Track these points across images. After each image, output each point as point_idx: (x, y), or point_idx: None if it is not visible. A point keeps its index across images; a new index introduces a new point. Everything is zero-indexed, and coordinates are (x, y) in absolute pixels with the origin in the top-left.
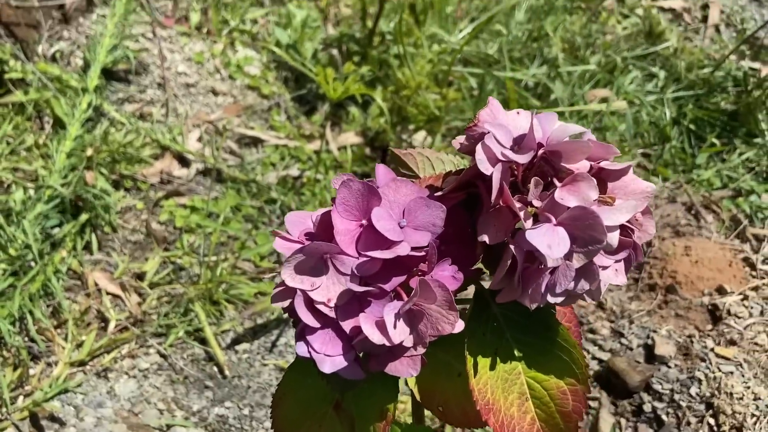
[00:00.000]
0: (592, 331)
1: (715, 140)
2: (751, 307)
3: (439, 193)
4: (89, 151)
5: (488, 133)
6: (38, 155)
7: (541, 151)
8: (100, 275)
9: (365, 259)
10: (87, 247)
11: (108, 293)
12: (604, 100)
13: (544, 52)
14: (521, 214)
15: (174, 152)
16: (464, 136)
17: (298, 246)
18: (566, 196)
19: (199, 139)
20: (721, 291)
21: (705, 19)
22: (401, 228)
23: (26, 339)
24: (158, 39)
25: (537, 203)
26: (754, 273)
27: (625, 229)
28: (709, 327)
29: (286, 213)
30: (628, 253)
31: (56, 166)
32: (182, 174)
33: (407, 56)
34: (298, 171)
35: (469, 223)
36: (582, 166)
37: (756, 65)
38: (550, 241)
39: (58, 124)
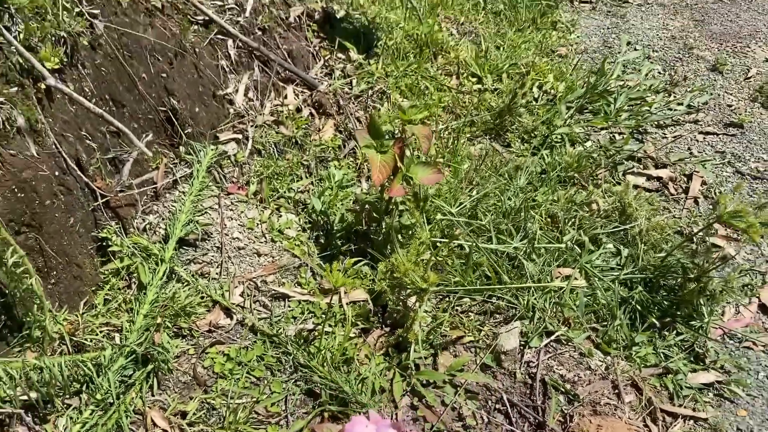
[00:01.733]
0: None
1: (655, 321)
2: None
3: None
4: (159, 320)
5: None
6: (125, 310)
7: None
8: (156, 414)
9: None
10: (150, 388)
11: (160, 428)
12: (567, 277)
13: (527, 226)
14: None
15: (222, 306)
16: None
17: None
18: None
19: (241, 294)
20: None
21: (688, 190)
22: None
23: None
24: (221, 209)
25: None
26: None
27: None
28: None
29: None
30: None
31: (135, 325)
32: (226, 324)
33: (396, 245)
34: (312, 324)
35: None
36: None
37: (721, 242)
38: None
39: (141, 287)
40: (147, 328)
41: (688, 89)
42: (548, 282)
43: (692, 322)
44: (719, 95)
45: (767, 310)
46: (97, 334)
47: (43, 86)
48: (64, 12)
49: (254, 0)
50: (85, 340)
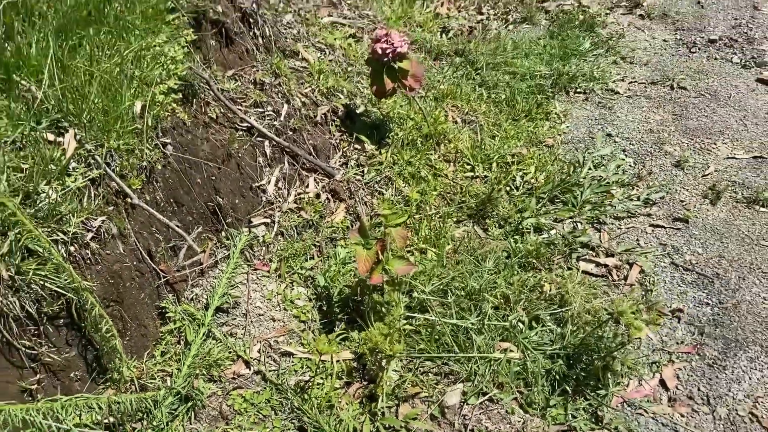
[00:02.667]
0: None
1: (569, 389)
2: None
3: None
4: (198, 369)
5: None
6: (175, 360)
7: None
8: None
9: None
10: (189, 419)
11: None
12: (505, 350)
13: (483, 305)
14: None
15: (243, 359)
16: None
17: None
18: None
19: (258, 351)
20: None
21: (627, 277)
22: None
23: None
24: (249, 283)
25: None
26: None
27: None
28: None
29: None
30: None
31: (182, 372)
32: (245, 373)
33: (371, 320)
34: (308, 377)
35: None
36: None
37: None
38: None
39: (187, 343)
40: (189, 375)
41: (649, 184)
42: (490, 353)
43: (599, 391)
44: (676, 190)
45: (666, 385)
46: (155, 378)
47: (129, 202)
48: (147, 147)
49: (288, 107)
50: (148, 383)
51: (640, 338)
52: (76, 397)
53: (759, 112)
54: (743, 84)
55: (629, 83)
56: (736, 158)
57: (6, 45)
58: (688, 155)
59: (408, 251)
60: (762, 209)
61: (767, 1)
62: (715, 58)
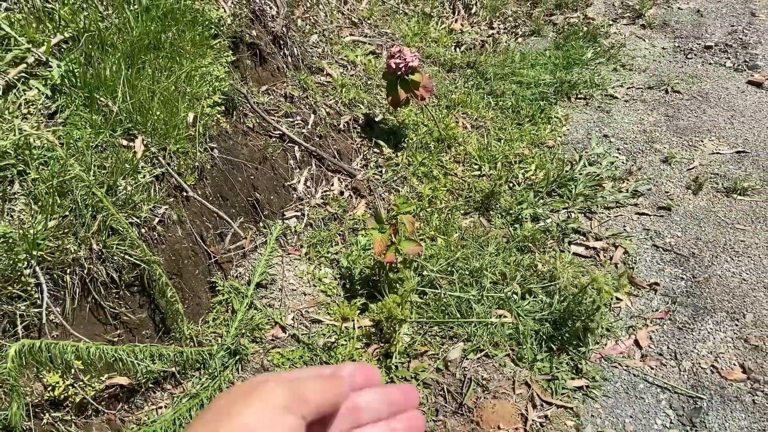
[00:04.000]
0: None
1: (554, 347)
2: None
3: None
4: (243, 332)
5: None
6: (224, 325)
7: None
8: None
9: None
10: (237, 370)
11: None
12: (500, 316)
13: (482, 281)
14: None
15: (280, 325)
16: None
17: None
18: None
19: (292, 319)
20: None
21: (612, 257)
22: None
23: None
24: (283, 264)
25: None
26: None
27: None
28: None
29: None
30: None
31: (230, 334)
32: (282, 336)
33: (386, 291)
34: (334, 339)
35: None
36: None
37: (622, 297)
38: None
39: (234, 311)
40: (236, 335)
41: (638, 178)
42: (487, 319)
43: (580, 349)
44: (662, 183)
45: (639, 344)
46: (209, 338)
47: (185, 195)
48: (198, 150)
49: (315, 116)
50: (203, 340)
51: (619, 307)
52: (151, 345)
53: (746, 111)
54: (734, 86)
55: (627, 89)
56: (720, 153)
57: (88, 69)
58: (675, 152)
59: (421, 238)
60: (739, 197)
61: (765, 8)
62: (710, 63)
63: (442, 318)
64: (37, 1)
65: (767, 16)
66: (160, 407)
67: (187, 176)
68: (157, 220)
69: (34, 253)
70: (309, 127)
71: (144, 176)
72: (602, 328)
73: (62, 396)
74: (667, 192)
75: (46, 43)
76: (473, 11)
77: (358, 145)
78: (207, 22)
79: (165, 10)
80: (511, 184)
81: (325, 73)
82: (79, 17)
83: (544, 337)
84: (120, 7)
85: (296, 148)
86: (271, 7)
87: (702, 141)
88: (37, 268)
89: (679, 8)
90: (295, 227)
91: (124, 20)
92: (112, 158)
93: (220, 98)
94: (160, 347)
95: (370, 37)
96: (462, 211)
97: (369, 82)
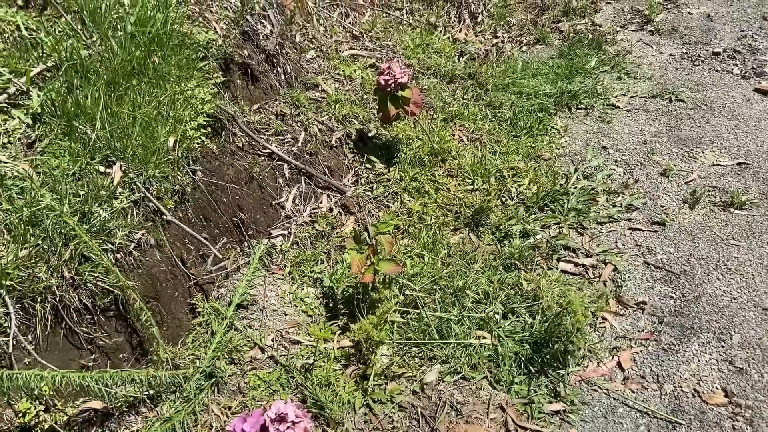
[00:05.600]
0: None
1: (532, 369)
2: None
3: None
4: (220, 355)
5: None
6: (203, 346)
7: None
8: (214, 406)
9: None
10: (212, 392)
11: (215, 414)
12: (479, 337)
13: (464, 300)
14: None
15: (259, 346)
16: None
17: None
18: None
19: (272, 339)
20: None
21: (601, 275)
22: None
23: None
24: (266, 285)
25: None
26: None
27: None
28: None
29: (298, 384)
30: None
31: (207, 356)
32: (260, 357)
33: (363, 313)
34: (312, 360)
35: None
36: None
37: (609, 316)
38: None
39: (213, 333)
40: (214, 357)
41: (633, 192)
42: (467, 340)
43: (559, 371)
44: (658, 196)
45: (622, 366)
46: (186, 360)
47: (164, 219)
48: (178, 174)
49: (306, 133)
50: (180, 363)
51: (604, 327)
52: (122, 371)
53: (750, 121)
54: (740, 94)
55: (630, 98)
56: (721, 165)
57: (68, 98)
58: (674, 164)
59: (408, 256)
60: (737, 211)
61: None
62: (717, 70)
63: (422, 339)
64: (23, 32)
65: None
66: (134, 431)
67: (167, 200)
68: (133, 245)
69: (3, 282)
70: (299, 144)
71: (121, 202)
72: (584, 349)
73: (33, 422)
74: (663, 206)
75: (27, 74)
76: (479, 20)
77: (350, 161)
78: (195, 45)
79: (151, 35)
80: (503, 199)
81: (320, 89)
82: (62, 46)
83: (524, 359)
84: (104, 35)
85: (285, 166)
86: (264, 26)
87: (703, 152)
88: (6, 297)
89: (689, 13)
90: (281, 246)
91: (108, 47)
92: (88, 186)
93: (205, 120)
94: (133, 372)
95: (370, 50)
96: (452, 227)
97: (365, 97)
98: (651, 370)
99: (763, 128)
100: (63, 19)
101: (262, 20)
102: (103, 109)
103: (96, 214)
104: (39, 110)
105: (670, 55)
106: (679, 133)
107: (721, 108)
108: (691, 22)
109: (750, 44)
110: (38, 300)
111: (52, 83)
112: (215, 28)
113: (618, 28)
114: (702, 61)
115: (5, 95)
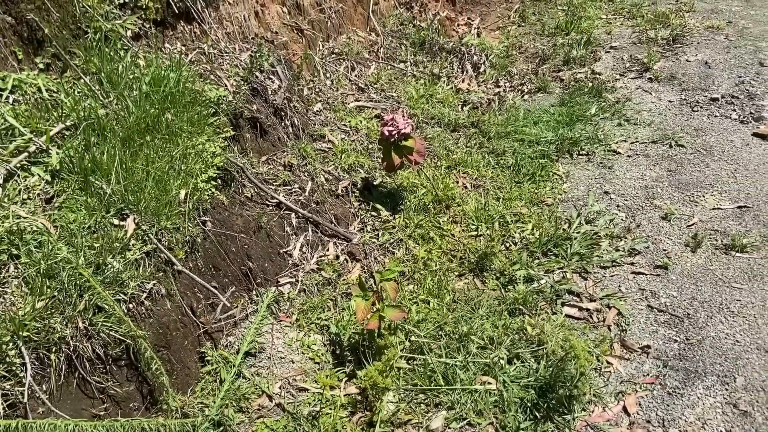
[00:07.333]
0: None
1: (538, 414)
2: None
3: None
4: (228, 403)
5: None
6: (212, 394)
7: None
8: None
9: None
10: None
11: None
12: (484, 383)
13: (469, 346)
14: None
15: (267, 394)
16: None
17: None
18: None
19: (279, 387)
20: None
21: (605, 319)
22: None
23: None
24: (273, 332)
25: None
26: None
27: None
28: None
29: None
30: None
31: (216, 404)
32: (268, 405)
33: (369, 360)
34: (319, 407)
35: None
36: None
37: (613, 360)
38: None
39: (221, 381)
40: (222, 406)
41: (636, 236)
42: (472, 386)
43: (565, 416)
44: (661, 240)
45: (627, 411)
46: (195, 409)
47: (175, 269)
48: (189, 225)
49: (312, 183)
50: (189, 412)
51: (609, 371)
52: (132, 420)
53: (750, 165)
54: (739, 139)
55: (630, 144)
56: (722, 208)
57: (85, 155)
58: (675, 208)
59: (413, 302)
60: (738, 254)
61: None
62: (715, 116)
63: (428, 385)
64: (44, 93)
65: None
66: None
67: (178, 251)
68: (145, 295)
69: (21, 333)
70: (306, 193)
71: (134, 253)
72: (590, 394)
73: None
74: (665, 250)
75: (47, 133)
76: (481, 70)
77: (356, 209)
78: (206, 102)
79: (164, 94)
80: (507, 244)
81: (326, 139)
82: (80, 106)
83: (529, 404)
84: (120, 95)
85: (293, 215)
86: (273, 81)
87: (703, 196)
88: (23, 348)
89: (687, 60)
90: (288, 293)
91: (124, 106)
92: (102, 238)
93: (215, 173)
94: (143, 421)
95: (375, 101)
96: (456, 273)
97: (370, 147)
98: (656, 414)
99: (762, 172)
100: (82, 81)
101: (271, 76)
102: (118, 164)
103: (110, 266)
104: (57, 167)
105: (669, 101)
106: (679, 177)
107: (721, 152)
108: (689, 69)
109: (748, 90)
110: (53, 350)
111: (70, 141)
112: (226, 85)
113: (617, 76)
114: (701, 107)
115: (26, 154)
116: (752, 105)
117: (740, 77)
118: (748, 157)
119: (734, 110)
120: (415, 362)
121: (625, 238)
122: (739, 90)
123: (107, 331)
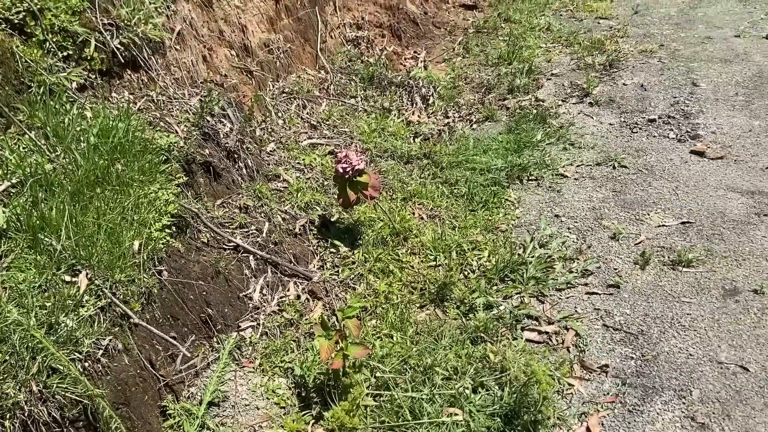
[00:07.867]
0: None
1: None
2: None
3: None
4: None
5: None
6: None
7: None
8: None
9: None
10: None
11: None
12: (450, 415)
13: (434, 378)
14: None
15: None
16: None
17: None
18: None
19: None
20: None
21: (564, 341)
22: None
23: None
24: (236, 379)
25: None
26: None
27: None
28: None
29: None
30: None
31: None
32: None
33: (335, 401)
34: None
35: None
36: None
37: (574, 382)
38: None
39: None
40: None
41: (587, 257)
42: (438, 418)
43: None
44: (611, 260)
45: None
46: None
47: (131, 322)
48: (144, 276)
49: (270, 224)
50: None
51: (571, 393)
52: None
53: (689, 182)
54: (677, 157)
55: (577, 167)
56: (666, 225)
57: (33, 212)
58: (622, 227)
59: (377, 337)
60: (685, 269)
61: (706, 77)
62: (654, 136)
63: (395, 421)
64: None
65: (707, 85)
66: None
67: (133, 303)
68: (101, 351)
69: None
70: (264, 235)
71: (87, 309)
72: (554, 417)
73: None
74: (616, 269)
75: None
76: (430, 102)
77: (315, 247)
78: (157, 149)
79: (113, 144)
80: (465, 272)
81: (281, 179)
82: (26, 162)
83: None
84: (68, 148)
85: (251, 257)
86: (224, 125)
87: (648, 214)
88: None
89: (624, 84)
90: (250, 338)
91: (72, 159)
92: (54, 297)
93: (169, 221)
94: None
95: (328, 137)
96: (418, 304)
97: (326, 183)
98: None
99: (701, 188)
100: (26, 136)
101: (222, 119)
102: (68, 219)
103: (63, 324)
104: (4, 226)
105: (610, 124)
106: (624, 197)
107: (662, 171)
108: (626, 92)
109: (683, 109)
110: (7, 416)
111: (17, 199)
112: (177, 131)
113: (560, 102)
114: (640, 128)
115: None
116: (688, 124)
117: (675, 97)
118: (687, 174)
119: (671, 130)
120: (381, 398)
121: (578, 259)
122: (674, 110)
123: (63, 393)
